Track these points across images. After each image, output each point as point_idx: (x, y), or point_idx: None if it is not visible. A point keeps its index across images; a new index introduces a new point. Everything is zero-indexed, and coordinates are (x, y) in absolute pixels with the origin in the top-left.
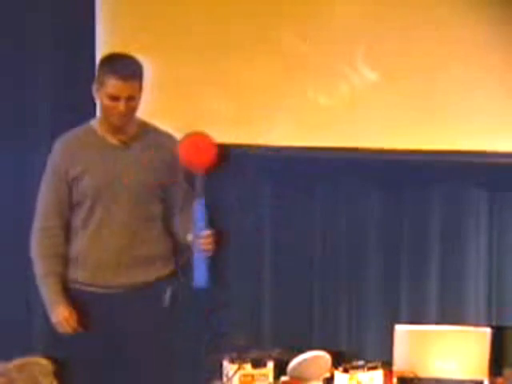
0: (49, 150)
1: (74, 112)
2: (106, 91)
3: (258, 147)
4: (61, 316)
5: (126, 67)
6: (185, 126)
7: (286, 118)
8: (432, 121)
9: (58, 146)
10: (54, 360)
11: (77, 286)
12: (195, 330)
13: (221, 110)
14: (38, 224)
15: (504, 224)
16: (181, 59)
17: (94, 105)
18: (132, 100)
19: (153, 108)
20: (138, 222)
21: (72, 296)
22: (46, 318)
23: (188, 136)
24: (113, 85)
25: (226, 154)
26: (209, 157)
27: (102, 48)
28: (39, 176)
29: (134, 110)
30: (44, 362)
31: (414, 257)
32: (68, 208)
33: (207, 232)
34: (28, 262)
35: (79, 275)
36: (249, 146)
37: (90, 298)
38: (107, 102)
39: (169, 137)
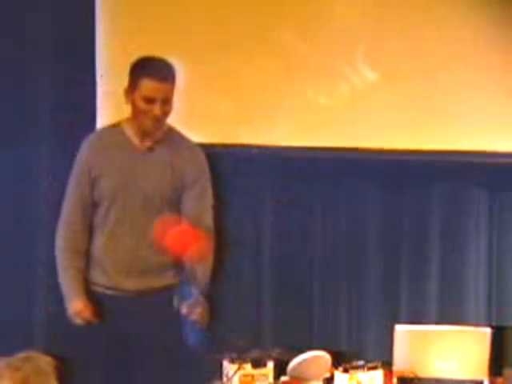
0: (49, 149)
1: (74, 112)
2: (141, 94)
3: (258, 147)
4: (77, 308)
5: (161, 69)
6: (185, 126)
7: (286, 118)
8: (432, 121)
9: (86, 143)
10: (56, 357)
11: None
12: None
13: (221, 109)
14: (62, 218)
15: (504, 224)
16: (181, 59)
17: (94, 105)
18: (167, 103)
19: None
20: (152, 227)
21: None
22: (47, 317)
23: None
24: (149, 87)
25: (227, 154)
26: (189, 244)
27: (102, 48)
28: (39, 176)
29: (168, 113)
30: (46, 357)
31: (414, 257)
32: (91, 206)
33: (192, 303)
34: (28, 262)
35: (92, 275)
36: (249, 146)
37: (100, 299)
38: (142, 105)
39: (193, 146)
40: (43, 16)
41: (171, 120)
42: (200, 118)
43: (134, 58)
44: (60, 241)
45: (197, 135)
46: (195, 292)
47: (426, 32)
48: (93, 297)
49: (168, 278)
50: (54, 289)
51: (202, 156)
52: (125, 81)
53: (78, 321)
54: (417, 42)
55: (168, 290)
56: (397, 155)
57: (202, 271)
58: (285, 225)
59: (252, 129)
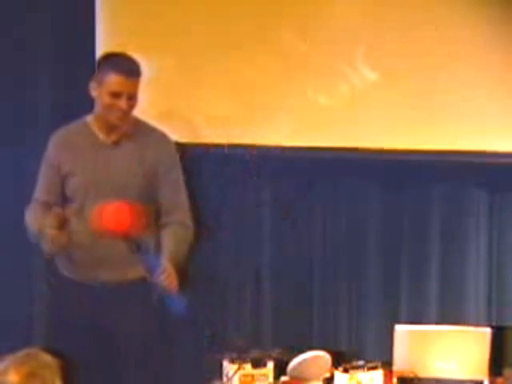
0: None
1: (73, 112)
2: (107, 88)
3: (258, 147)
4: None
5: (127, 64)
6: (185, 125)
7: (286, 117)
8: (432, 121)
9: (53, 140)
10: (56, 355)
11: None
12: (195, 330)
13: (221, 110)
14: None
15: (504, 224)
16: (181, 59)
17: (94, 105)
18: (132, 98)
19: (153, 108)
20: None
21: (63, 285)
22: (48, 316)
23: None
24: (114, 81)
25: (227, 154)
26: (129, 220)
27: (102, 48)
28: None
29: (133, 107)
30: (47, 355)
31: (414, 257)
32: (59, 201)
33: (159, 273)
34: (28, 262)
35: (68, 269)
36: (249, 146)
37: (77, 290)
38: (108, 99)
39: (161, 135)
40: (43, 16)
41: (170, 120)
42: (200, 118)
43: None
44: (29, 215)
45: (196, 135)
46: (158, 261)
47: (425, 32)
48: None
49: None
50: (54, 289)
51: (172, 144)
52: None
53: (53, 247)
54: (417, 42)
55: (146, 281)
56: (397, 155)
57: (166, 241)
58: (285, 225)
59: (252, 129)
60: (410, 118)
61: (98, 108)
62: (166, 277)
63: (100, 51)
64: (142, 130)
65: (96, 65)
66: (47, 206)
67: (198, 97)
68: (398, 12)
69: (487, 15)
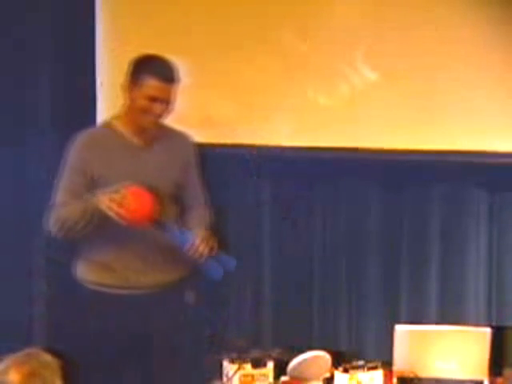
0: (49, 150)
1: (73, 112)
2: (144, 92)
3: (258, 147)
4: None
5: (165, 69)
6: (185, 126)
7: (286, 117)
8: (432, 121)
9: (76, 144)
10: (57, 356)
11: (102, 289)
12: (195, 330)
13: (221, 109)
14: (51, 205)
15: (504, 224)
16: (181, 59)
17: (94, 104)
18: (169, 103)
19: None
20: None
21: (95, 297)
22: (48, 316)
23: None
24: (153, 86)
25: (227, 154)
26: (148, 208)
27: (102, 48)
28: (39, 176)
29: (168, 113)
30: (47, 355)
31: (413, 257)
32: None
33: (191, 244)
34: (28, 262)
35: (104, 278)
36: (249, 146)
37: (112, 300)
38: (144, 103)
39: (185, 137)
40: (43, 16)
41: (170, 120)
42: (200, 117)
43: (133, 58)
44: (53, 217)
45: (197, 135)
46: (185, 236)
47: (425, 32)
48: (100, 298)
49: (178, 271)
50: (54, 288)
51: (193, 143)
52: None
53: (112, 212)
54: (417, 42)
55: (180, 284)
56: (397, 155)
57: (192, 222)
58: (285, 225)
59: (252, 129)
60: (410, 118)
61: (129, 110)
62: (197, 248)
63: (100, 51)
64: (167, 132)
65: (131, 65)
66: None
67: (198, 97)
68: (398, 12)
69: (487, 15)
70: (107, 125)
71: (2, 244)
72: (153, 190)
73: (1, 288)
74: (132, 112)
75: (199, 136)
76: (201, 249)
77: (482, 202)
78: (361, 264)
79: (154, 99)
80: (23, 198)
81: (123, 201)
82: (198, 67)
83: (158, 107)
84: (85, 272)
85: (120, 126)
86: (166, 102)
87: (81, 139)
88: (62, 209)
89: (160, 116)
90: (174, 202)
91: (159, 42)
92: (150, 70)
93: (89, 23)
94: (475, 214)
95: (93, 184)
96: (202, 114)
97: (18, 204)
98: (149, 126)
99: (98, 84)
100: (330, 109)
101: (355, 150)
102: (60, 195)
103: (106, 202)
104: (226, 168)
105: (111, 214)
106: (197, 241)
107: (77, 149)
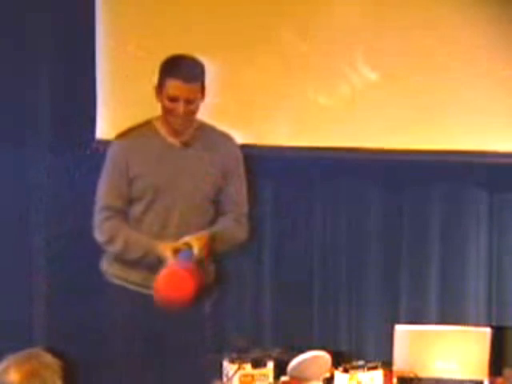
0: (49, 150)
1: (74, 112)
2: (165, 92)
3: (258, 147)
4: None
5: (186, 69)
6: None
7: (286, 117)
8: (432, 121)
9: (118, 144)
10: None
11: (129, 286)
12: (195, 330)
13: (221, 109)
14: (98, 209)
15: (504, 224)
16: None
17: (95, 105)
18: (192, 103)
19: (153, 108)
20: (193, 223)
21: (119, 294)
22: (47, 316)
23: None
24: (172, 86)
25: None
26: (188, 290)
27: (102, 48)
28: (39, 176)
29: (193, 112)
30: (48, 355)
31: (414, 257)
32: (127, 204)
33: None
34: (28, 261)
35: (132, 275)
36: (249, 146)
37: (135, 298)
38: (167, 103)
39: (227, 137)
40: (43, 16)
41: None
42: (199, 118)
43: (133, 58)
44: (102, 227)
45: None
46: (193, 256)
47: (425, 32)
48: (127, 294)
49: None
50: (54, 288)
51: (237, 146)
52: (125, 82)
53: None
54: (417, 42)
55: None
56: (397, 155)
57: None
58: (285, 225)
59: (252, 129)
60: (410, 117)
61: (162, 111)
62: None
63: (100, 51)
64: (208, 132)
65: (159, 68)
66: (123, 214)
67: None
68: (398, 12)
69: (487, 15)
70: (149, 124)
71: (2, 244)
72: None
73: (1, 288)
74: (163, 113)
75: None
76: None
77: (481, 202)
78: (361, 264)
79: (175, 99)
80: (23, 198)
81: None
82: None
83: (179, 107)
84: (111, 266)
85: (160, 126)
86: (189, 101)
87: (120, 140)
88: (114, 227)
89: (186, 116)
90: (210, 204)
91: (159, 41)
92: (169, 70)
93: (89, 23)
94: (475, 214)
95: (132, 182)
96: (202, 114)
97: (17, 204)
98: (177, 126)
99: (98, 84)
100: (330, 109)
101: (355, 150)
102: (104, 197)
103: (168, 253)
104: None
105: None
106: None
107: (120, 149)
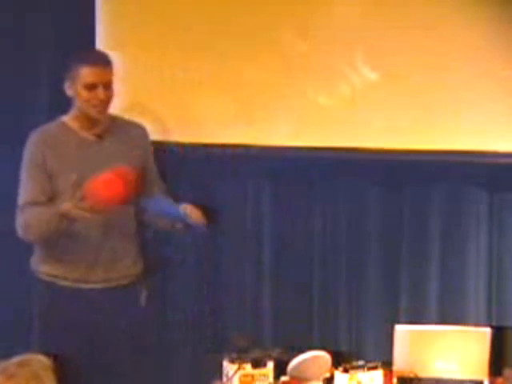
0: None
1: None
2: (82, 82)
3: (258, 147)
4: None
5: (95, 55)
6: (185, 125)
7: (286, 117)
8: (432, 121)
9: (32, 141)
10: (53, 357)
11: (56, 281)
12: (195, 330)
13: (221, 110)
14: (22, 205)
15: (504, 224)
16: (181, 59)
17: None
18: (109, 88)
19: (153, 108)
20: (114, 216)
21: (52, 291)
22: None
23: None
24: (88, 73)
25: (226, 154)
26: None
27: (102, 48)
28: None
29: (111, 98)
30: (43, 358)
31: (414, 257)
32: (51, 198)
33: (186, 211)
34: (28, 261)
35: (57, 269)
36: (249, 146)
37: (68, 293)
38: (85, 93)
39: (139, 127)
40: (43, 16)
41: (170, 120)
42: (199, 117)
43: (133, 58)
44: (23, 218)
45: (196, 135)
46: (178, 207)
47: (425, 31)
48: (62, 291)
49: (128, 267)
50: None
51: (148, 135)
52: (125, 81)
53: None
54: (417, 42)
55: (133, 279)
56: (397, 155)
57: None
58: (285, 225)
59: (252, 129)
60: (410, 117)
61: (76, 105)
62: (193, 213)
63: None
64: (120, 124)
65: (67, 67)
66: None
67: (198, 97)
68: (398, 12)
69: (487, 15)
70: (59, 122)
71: (2, 244)
72: (128, 173)
73: (1, 288)
74: (79, 106)
75: (199, 136)
76: (196, 214)
77: (481, 202)
78: (361, 264)
79: (92, 86)
80: None
81: (89, 197)
82: (198, 67)
83: (99, 93)
84: (38, 263)
85: (71, 123)
86: (106, 86)
87: (35, 136)
88: (28, 214)
89: (104, 102)
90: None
91: (159, 41)
92: (81, 60)
93: (89, 23)
94: (475, 214)
95: (51, 179)
96: (201, 114)
97: (17, 204)
98: (96, 116)
99: None
100: (329, 109)
101: (355, 150)
102: (29, 194)
103: (73, 208)
104: (225, 168)
105: (85, 215)
106: (189, 208)
107: (34, 145)
